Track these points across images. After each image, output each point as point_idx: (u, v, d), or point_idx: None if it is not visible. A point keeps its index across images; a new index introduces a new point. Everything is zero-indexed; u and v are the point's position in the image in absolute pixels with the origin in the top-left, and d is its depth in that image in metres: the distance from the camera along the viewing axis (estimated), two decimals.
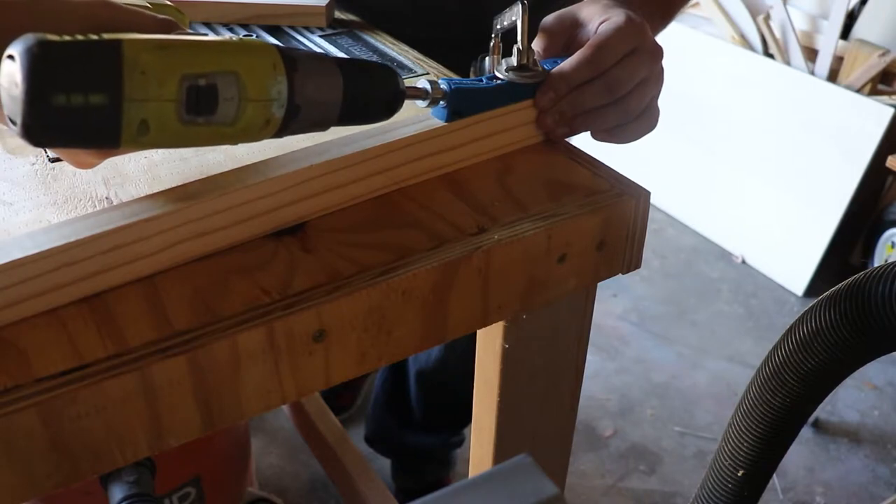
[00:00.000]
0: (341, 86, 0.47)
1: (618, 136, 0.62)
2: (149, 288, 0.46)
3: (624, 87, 0.58)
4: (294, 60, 0.45)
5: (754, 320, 2.02)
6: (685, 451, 1.63)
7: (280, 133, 0.47)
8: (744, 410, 0.60)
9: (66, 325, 0.43)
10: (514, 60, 0.59)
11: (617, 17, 0.58)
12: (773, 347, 0.59)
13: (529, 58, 0.58)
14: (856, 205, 1.99)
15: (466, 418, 1.37)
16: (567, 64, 0.58)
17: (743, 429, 0.60)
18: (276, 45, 0.45)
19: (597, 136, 0.62)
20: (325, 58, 0.48)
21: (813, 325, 0.55)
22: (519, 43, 0.58)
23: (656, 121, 0.62)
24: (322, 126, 0.49)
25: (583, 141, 0.63)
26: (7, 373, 0.40)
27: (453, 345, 1.24)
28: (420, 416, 1.38)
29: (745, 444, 0.60)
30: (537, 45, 0.63)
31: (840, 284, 0.55)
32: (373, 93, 0.50)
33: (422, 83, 0.55)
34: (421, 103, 0.56)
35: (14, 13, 0.43)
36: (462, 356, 1.24)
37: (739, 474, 0.61)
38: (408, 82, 0.71)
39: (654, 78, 0.60)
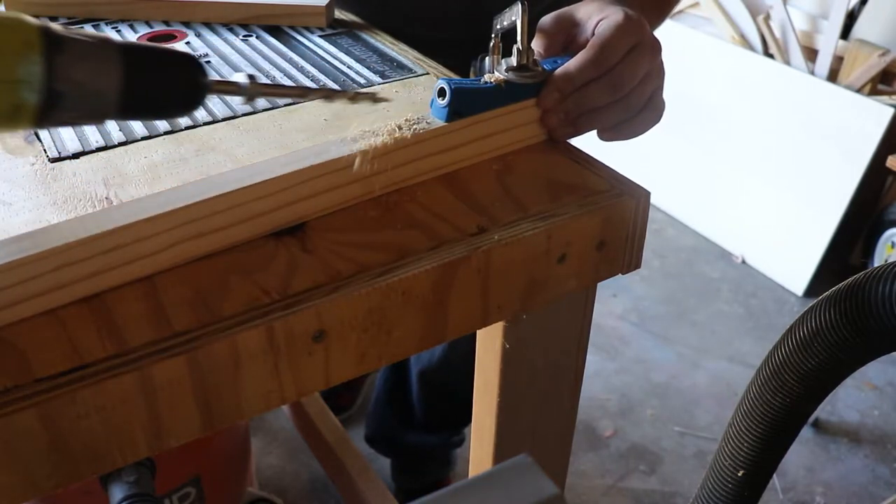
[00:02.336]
0: (121, 73, 0.42)
1: (623, 132, 0.62)
2: (149, 288, 0.46)
3: (627, 84, 0.58)
4: (59, 40, 0.40)
5: (754, 320, 2.02)
6: (685, 451, 1.63)
7: (41, 123, 0.42)
8: (744, 411, 0.60)
9: (65, 325, 0.43)
10: (513, 60, 0.59)
11: (615, 14, 0.59)
12: (773, 347, 0.59)
13: (529, 58, 0.58)
14: (856, 205, 1.99)
15: (467, 418, 1.37)
16: (571, 64, 0.58)
17: (743, 429, 0.60)
18: (42, 23, 0.40)
19: (602, 134, 0.62)
20: (105, 41, 0.42)
21: (813, 325, 0.55)
22: (519, 43, 0.58)
23: (661, 114, 0.63)
24: (98, 118, 0.44)
25: (583, 141, 0.63)
26: (7, 373, 0.40)
27: (455, 345, 1.23)
28: (421, 416, 1.38)
29: (746, 444, 0.60)
30: (536, 45, 0.63)
31: (840, 284, 0.55)
32: (164, 83, 0.45)
33: (238, 77, 0.48)
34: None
35: None
36: (464, 356, 1.24)
37: (739, 474, 0.61)
38: (414, 82, 0.71)
39: (656, 72, 0.60)
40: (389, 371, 1.40)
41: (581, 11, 0.62)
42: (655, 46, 0.60)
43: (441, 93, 0.56)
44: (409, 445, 1.45)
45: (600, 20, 0.59)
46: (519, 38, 0.57)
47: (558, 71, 0.58)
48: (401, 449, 1.48)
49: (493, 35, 0.61)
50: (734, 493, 0.62)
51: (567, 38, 0.63)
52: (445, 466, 1.50)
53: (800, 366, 0.56)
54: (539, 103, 0.59)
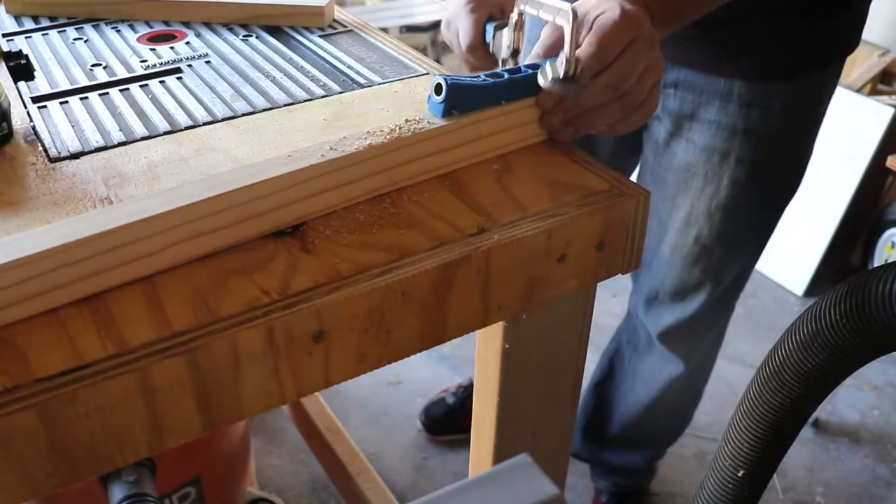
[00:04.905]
0: None
1: (617, 128, 0.61)
2: (149, 288, 0.46)
3: (626, 82, 0.58)
4: None
5: (754, 320, 2.02)
6: (685, 451, 1.63)
7: None
8: (744, 411, 0.60)
9: (65, 325, 0.43)
10: (559, 70, 0.56)
11: (611, 10, 0.58)
12: (774, 347, 0.59)
13: (577, 68, 0.56)
14: (856, 205, 1.99)
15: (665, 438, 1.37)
16: None
17: (743, 429, 0.60)
18: None
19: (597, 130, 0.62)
20: None
21: (813, 325, 0.55)
22: (567, 52, 0.55)
23: (654, 109, 0.62)
24: None
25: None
26: (7, 373, 0.40)
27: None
28: (623, 442, 1.37)
29: (746, 444, 0.60)
30: (539, 46, 0.62)
31: (840, 284, 0.55)
32: None
33: None
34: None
35: None
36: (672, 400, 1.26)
37: (740, 474, 0.61)
38: (414, 81, 0.71)
39: (654, 66, 0.59)
40: (587, 399, 1.38)
41: (581, 8, 0.62)
42: (652, 40, 0.59)
43: (437, 89, 0.56)
44: (612, 462, 1.43)
45: (598, 16, 0.59)
46: (567, 46, 0.55)
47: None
48: (606, 464, 1.46)
49: (517, 7, 0.59)
50: (734, 493, 0.62)
51: None
52: (651, 474, 1.48)
53: (800, 366, 0.56)
54: (538, 104, 0.59)
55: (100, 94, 0.67)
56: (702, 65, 0.59)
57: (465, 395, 1.60)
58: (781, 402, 0.57)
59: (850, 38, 0.94)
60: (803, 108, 0.96)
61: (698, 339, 1.18)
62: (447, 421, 1.58)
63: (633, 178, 1.07)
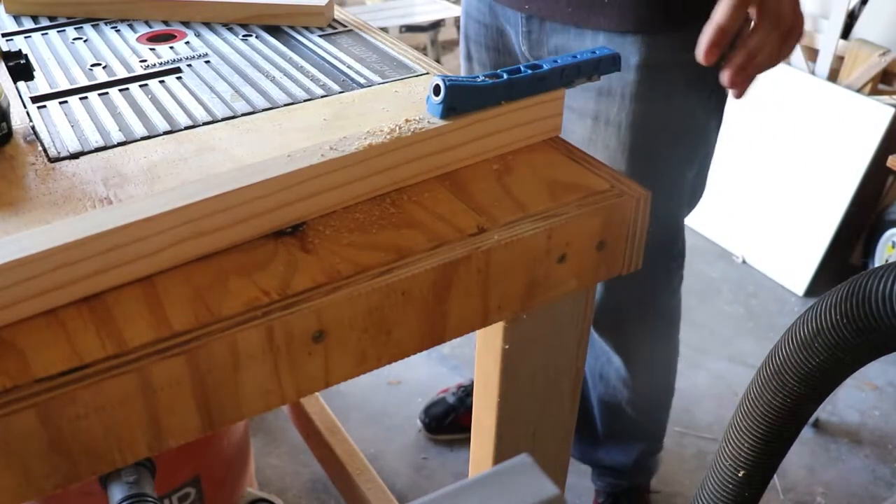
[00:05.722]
0: None
1: (779, 57, 0.59)
2: (149, 288, 0.46)
3: (781, 10, 0.56)
4: None
5: (754, 320, 2.02)
6: (685, 451, 1.62)
7: None
8: (744, 411, 0.60)
9: (65, 325, 0.43)
10: None
11: None
12: (774, 347, 0.58)
13: None
14: (856, 205, 1.99)
15: (653, 432, 1.36)
16: (718, 17, 0.55)
17: (744, 429, 0.60)
18: None
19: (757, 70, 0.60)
20: None
21: (814, 325, 0.55)
22: None
23: (803, 24, 0.60)
24: None
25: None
26: (6, 373, 0.40)
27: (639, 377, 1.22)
28: (608, 440, 1.36)
29: (746, 444, 0.60)
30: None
31: (841, 284, 0.55)
32: None
33: None
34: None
35: None
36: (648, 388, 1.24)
37: (740, 475, 0.61)
38: (414, 81, 0.71)
39: None
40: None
41: None
42: None
43: (436, 90, 0.56)
44: (601, 462, 1.42)
45: None
46: None
47: (713, 30, 0.55)
48: (597, 463, 1.45)
49: None
50: (735, 493, 0.62)
51: None
52: (645, 473, 1.46)
53: (801, 366, 0.56)
54: (726, 64, 0.55)
55: (99, 94, 0.67)
56: (568, 17, 0.57)
57: (465, 394, 1.60)
58: (782, 403, 0.57)
59: None
60: (664, 68, 0.90)
61: (626, 326, 1.15)
62: (447, 421, 1.59)
63: None
